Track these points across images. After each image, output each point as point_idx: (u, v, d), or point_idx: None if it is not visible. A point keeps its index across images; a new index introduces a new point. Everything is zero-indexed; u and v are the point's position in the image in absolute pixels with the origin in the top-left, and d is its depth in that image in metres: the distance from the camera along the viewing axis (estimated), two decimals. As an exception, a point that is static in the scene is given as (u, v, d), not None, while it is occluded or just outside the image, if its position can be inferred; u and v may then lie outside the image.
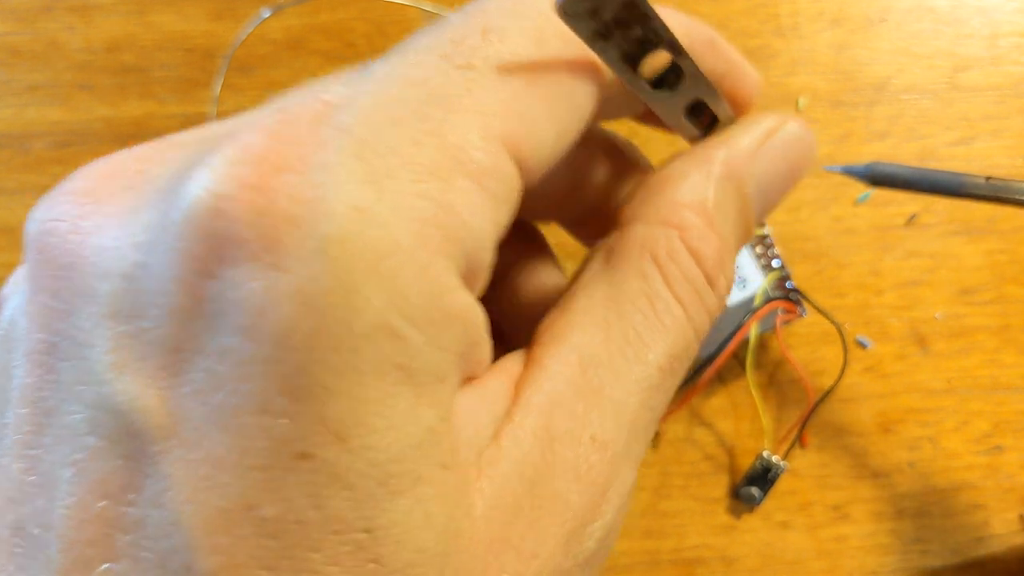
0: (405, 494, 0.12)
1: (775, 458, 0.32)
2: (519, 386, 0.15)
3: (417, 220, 0.13)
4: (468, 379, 0.14)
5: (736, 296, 0.32)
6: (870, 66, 0.37)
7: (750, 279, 0.32)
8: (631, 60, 0.15)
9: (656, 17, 0.15)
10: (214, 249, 0.12)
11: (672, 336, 0.16)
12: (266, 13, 0.36)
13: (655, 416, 0.16)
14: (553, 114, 0.15)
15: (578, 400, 0.15)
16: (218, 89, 0.36)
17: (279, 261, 0.12)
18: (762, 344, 0.34)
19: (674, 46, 0.16)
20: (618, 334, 0.16)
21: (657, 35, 0.15)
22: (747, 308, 0.31)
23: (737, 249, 0.19)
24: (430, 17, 0.37)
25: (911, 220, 0.35)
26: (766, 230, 0.32)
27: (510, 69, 0.14)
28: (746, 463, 0.33)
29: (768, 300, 0.31)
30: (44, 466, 0.13)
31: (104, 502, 0.12)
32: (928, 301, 0.34)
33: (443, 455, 0.13)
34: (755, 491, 0.32)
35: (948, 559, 0.32)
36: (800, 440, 0.33)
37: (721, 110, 0.19)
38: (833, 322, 0.33)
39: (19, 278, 0.15)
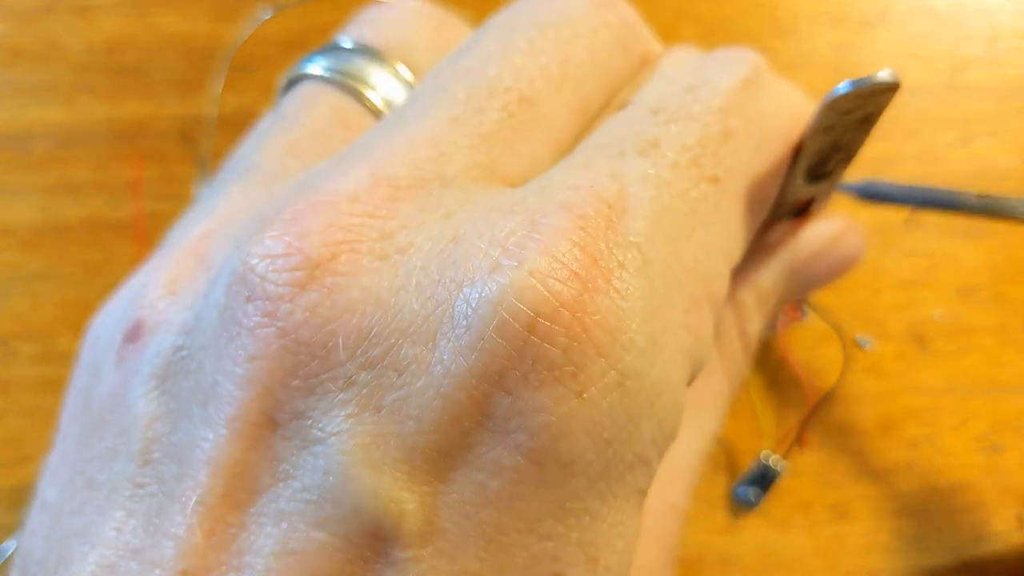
0: None
1: (775, 458, 0.32)
2: None
3: (682, 354, 0.13)
4: None
5: (736, 296, 0.32)
6: (870, 66, 0.37)
7: (750, 279, 0.32)
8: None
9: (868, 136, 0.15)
10: (518, 365, 0.11)
11: (720, 408, 0.18)
12: (267, 14, 0.36)
13: (699, 478, 0.18)
14: (752, 227, 0.15)
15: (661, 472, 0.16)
16: (219, 90, 0.36)
17: (582, 389, 0.11)
18: (762, 344, 0.34)
19: (852, 157, 0.16)
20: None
21: (855, 147, 0.16)
22: (747, 308, 0.31)
23: None
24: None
25: (910, 220, 0.35)
26: (766, 230, 0.32)
27: (745, 188, 0.15)
28: (746, 463, 0.33)
29: (768, 300, 0.31)
30: (243, 545, 0.12)
31: None
32: (927, 301, 0.34)
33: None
34: (754, 491, 0.32)
35: (947, 558, 0.32)
36: (800, 440, 0.33)
37: (822, 206, 0.19)
38: (832, 322, 0.33)
39: (195, 305, 0.13)
